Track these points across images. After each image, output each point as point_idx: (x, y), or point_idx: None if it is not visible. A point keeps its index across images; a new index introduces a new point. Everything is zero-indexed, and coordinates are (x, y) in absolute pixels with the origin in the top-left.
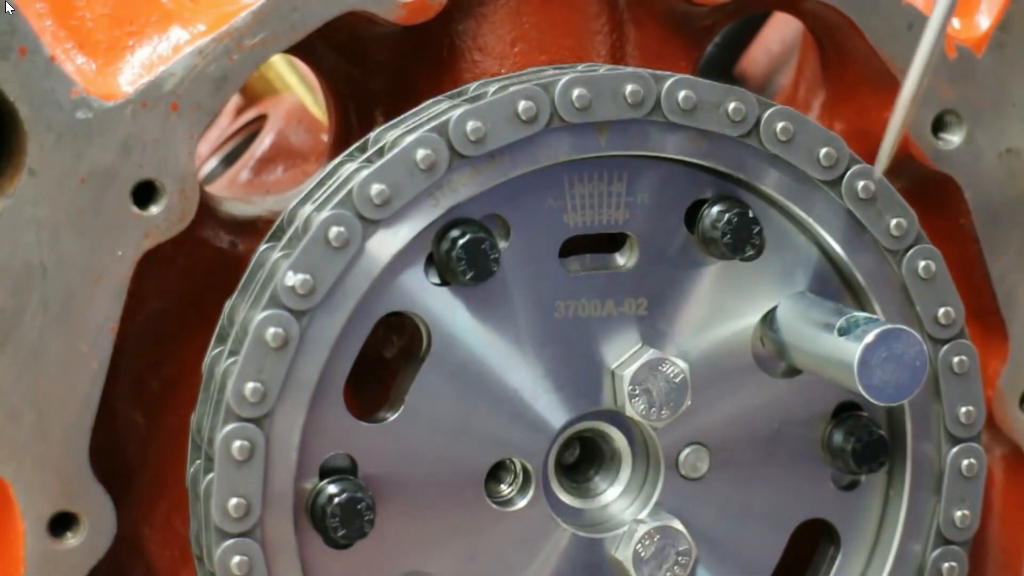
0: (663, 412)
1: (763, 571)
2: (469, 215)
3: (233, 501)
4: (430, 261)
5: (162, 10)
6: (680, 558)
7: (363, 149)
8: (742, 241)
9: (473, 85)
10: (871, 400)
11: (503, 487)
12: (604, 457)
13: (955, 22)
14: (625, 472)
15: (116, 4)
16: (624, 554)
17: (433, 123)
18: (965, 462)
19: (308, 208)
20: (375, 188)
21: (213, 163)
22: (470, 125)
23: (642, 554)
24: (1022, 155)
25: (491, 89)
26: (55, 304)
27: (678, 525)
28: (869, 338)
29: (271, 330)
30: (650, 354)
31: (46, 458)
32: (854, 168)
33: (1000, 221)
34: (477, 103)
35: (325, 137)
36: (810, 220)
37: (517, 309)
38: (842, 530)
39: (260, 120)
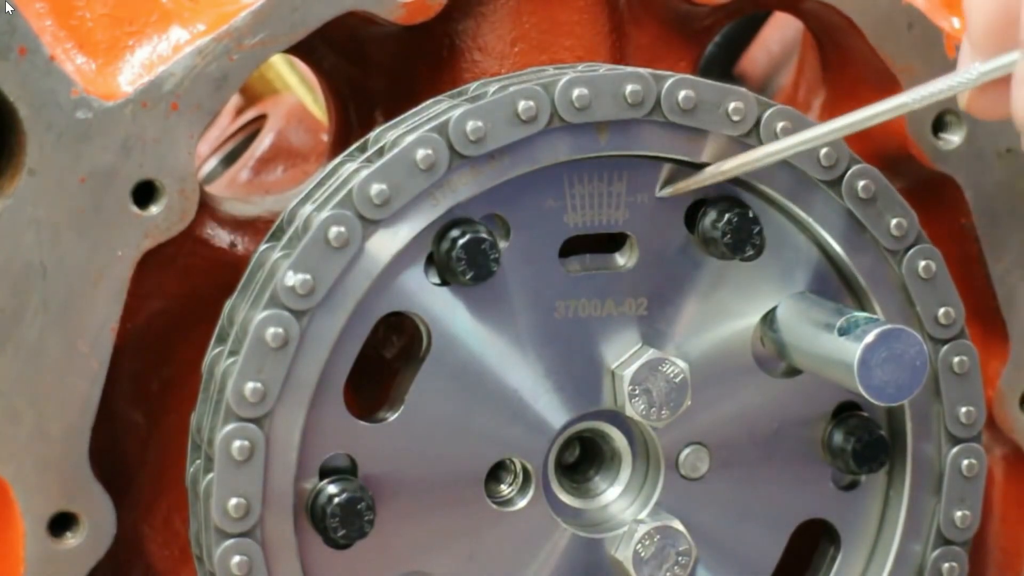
0: (663, 412)
1: (763, 571)
2: (469, 215)
3: (233, 501)
4: (430, 261)
5: (162, 10)
6: (680, 558)
7: (363, 149)
8: (742, 241)
9: (473, 85)
10: (871, 400)
11: (503, 487)
12: (604, 457)
13: (954, 21)
14: (625, 472)
15: (116, 4)
16: (624, 554)
17: (433, 123)
18: (965, 462)
19: (308, 208)
20: (375, 188)
21: (213, 163)
22: (470, 125)
23: (642, 554)
24: (1022, 155)
25: (491, 89)
26: (55, 304)
27: (678, 525)
28: (869, 338)
29: (271, 330)
30: (650, 354)
31: (46, 458)
32: (854, 168)
33: (1000, 221)
34: (477, 103)
35: (325, 137)
36: (810, 220)
37: (517, 309)
38: (842, 530)
39: (260, 120)
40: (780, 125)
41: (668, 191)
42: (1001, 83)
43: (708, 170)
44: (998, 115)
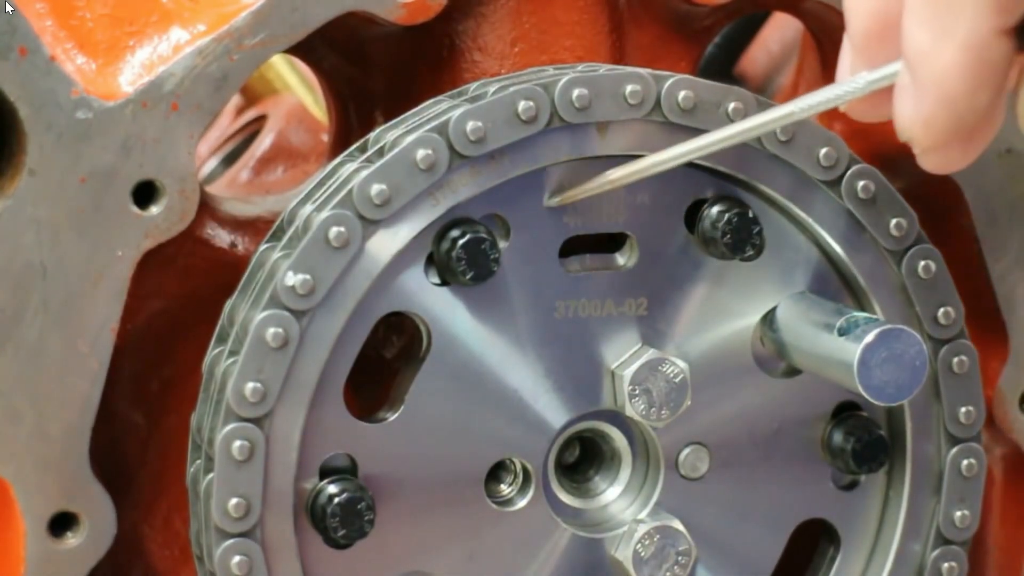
0: (663, 412)
1: (763, 571)
2: (469, 215)
3: (233, 501)
4: (430, 261)
5: (162, 10)
6: (680, 558)
7: (363, 149)
8: (742, 241)
9: (473, 85)
10: (871, 400)
11: (503, 487)
12: (604, 457)
13: None
14: (625, 472)
15: (116, 4)
16: (624, 554)
17: (433, 123)
18: (965, 462)
19: (308, 208)
20: (375, 188)
21: (213, 163)
22: (470, 125)
23: (642, 554)
24: (1022, 155)
25: (491, 89)
26: (55, 304)
27: (678, 525)
28: (869, 338)
29: (271, 330)
30: (650, 354)
31: (46, 458)
32: (854, 168)
33: (1000, 221)
34: (477, 103)
35: (325, 137)
36: (810, 220)
37: (517, 309)
38: (842, 530)
39: (260, 120)
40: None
41: (556, 200)
42: (881, 90)
43: (598, 179)
44: (876, 118)
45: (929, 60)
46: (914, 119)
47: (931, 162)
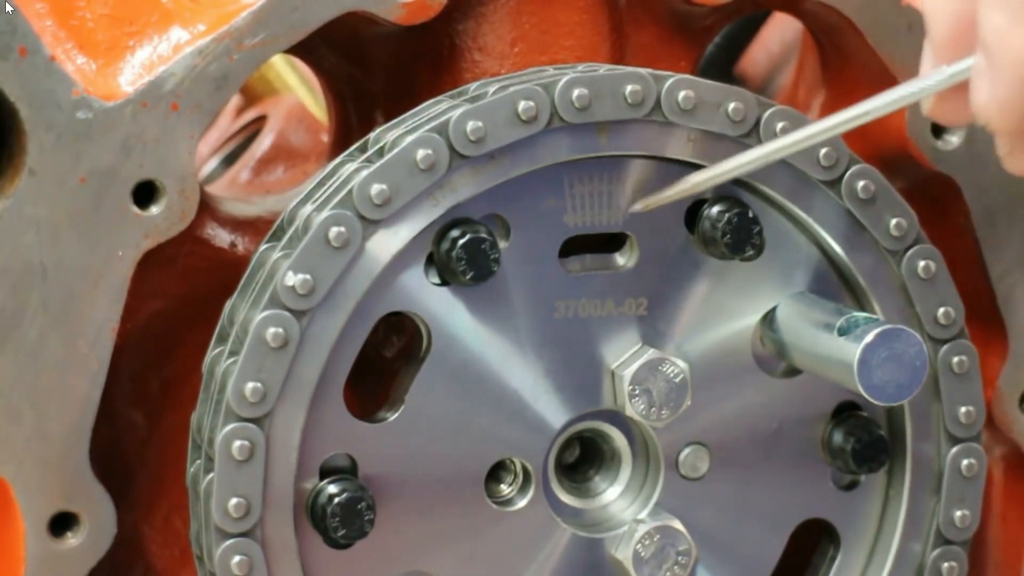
0: (663, 412)
1: (763, 571)
2: (469, 215)
3: (233, 501)
4: (430, 261)
5: (162, 10)
6: (680, 558)
7: (363, 149)
8: (742, 241)
9: (473, 85)
10: (871, 400)
11: (503, 487)
12: (604, 457)
13: None
14: (625, 472)
15: (116, 4)
16: (624, 554)
17: (433, 123)
18: (965, 462)
19: (308, 208)
20: (375, 188)
21: (213, 163)
22: (470, 125)
23: (642, 554)
24: None
25: (491, 89)
26: (55, 304)
27: (678, 525)
28: (869, 338)
29: (271, 330)
30: (650, 354)
31: (46, 458)
32: (854, 168)
33: (1000, 221)
34: (477, 103)
35: (325, 137)
36: (810, 220)
37: (517, 309)
38: (842, 530)
39: (260, 120)
40: (780, 125)
41: (639, 207)
42: (961, 89)
43: (680, 184)
44: (959, 121)
45: (1005, 41)
46: (990, 102)
47: (1015, 165)
